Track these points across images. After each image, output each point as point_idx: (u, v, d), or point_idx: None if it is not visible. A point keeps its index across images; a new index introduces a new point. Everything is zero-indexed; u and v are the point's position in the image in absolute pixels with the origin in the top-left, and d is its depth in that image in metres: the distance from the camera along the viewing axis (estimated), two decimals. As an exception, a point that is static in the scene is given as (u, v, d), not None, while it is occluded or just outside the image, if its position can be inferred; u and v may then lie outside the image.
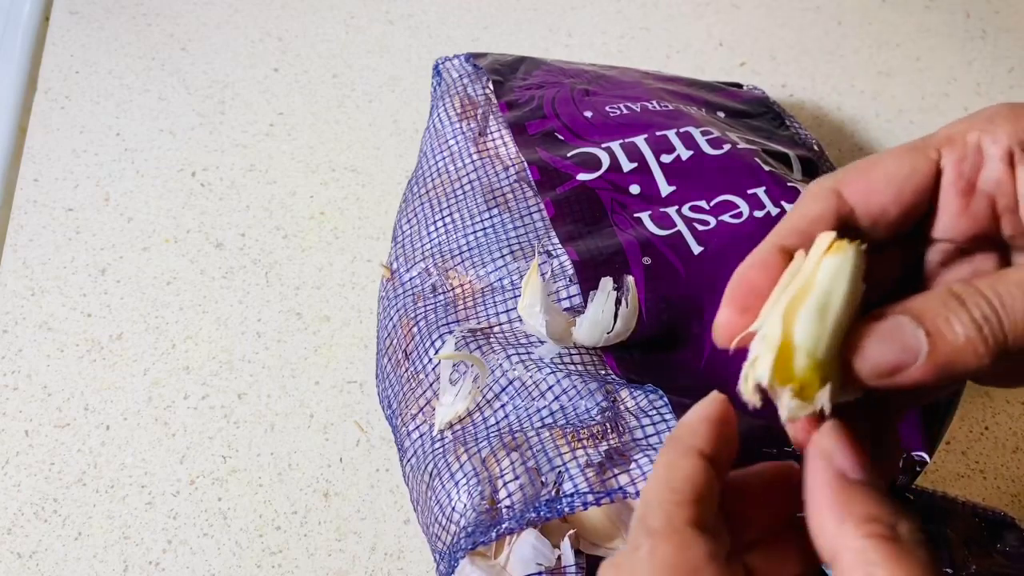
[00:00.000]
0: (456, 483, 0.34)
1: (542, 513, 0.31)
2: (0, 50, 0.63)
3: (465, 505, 0.33)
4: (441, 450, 0.36)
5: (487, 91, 0.48)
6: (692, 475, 0.21)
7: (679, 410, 0.34)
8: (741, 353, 0.26)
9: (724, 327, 0.23)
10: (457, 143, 0.46)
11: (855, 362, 0.21)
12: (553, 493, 0.32)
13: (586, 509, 0.31)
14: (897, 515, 0.20)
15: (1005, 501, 0.44)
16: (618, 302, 0.36)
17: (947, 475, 0.45)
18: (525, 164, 0.44)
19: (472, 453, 0.35)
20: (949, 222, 0.25)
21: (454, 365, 0.38)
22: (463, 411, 0.37)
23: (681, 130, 0.45)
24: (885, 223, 0.24)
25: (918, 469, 0.35)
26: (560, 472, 0.33)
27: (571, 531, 0.32)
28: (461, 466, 0.34)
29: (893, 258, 0.26)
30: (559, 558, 0.32)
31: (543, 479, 0.33)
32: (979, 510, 0.34)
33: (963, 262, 0.26)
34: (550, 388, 0.36)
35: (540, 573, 0.31)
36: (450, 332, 0.39)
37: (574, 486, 0.32)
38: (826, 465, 0.21)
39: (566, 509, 0.31)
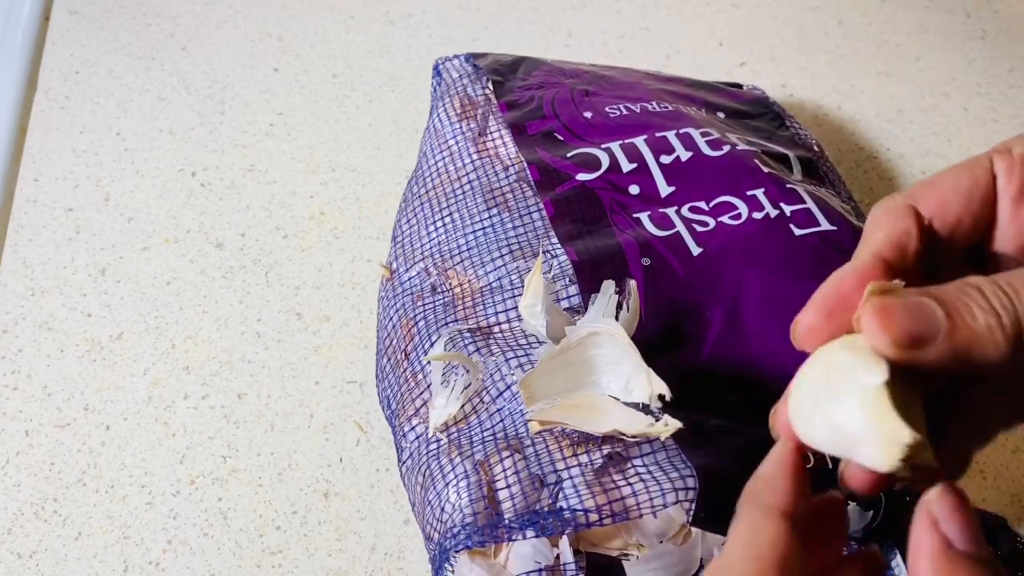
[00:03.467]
0: (448, 484, 0.34)
1: (537, 526, 0.31)
2: (0, 50, 0.63)
3: (454, 506, 0.33)
4: (436, 452, 0.36)
5: (487, 91, 0.48)
6: (777, 540, 0.21)
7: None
8: (742, 356, 0.26)
9: (805, 328, 0.23)
10: (457, 143, 0.46)
11: (878, 330, 0.21)
12: (547, 507, 0.32)
13: (582, 529, 0.31)
14: None
15: (1005, 501, 0.44)
16: (619, 305, 0.36)
17: (946, 475, 0.45)
18: (525, 164, 0.44)
19: (467, 455, 0.35)
20: (1005, 229, 0.25)
21: (449, 366, 0.38)
22: (456, 412, 0.37)
23: (681, 131, 0.45)
24: (961, 232, 0.25)
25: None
26: (558, 482, 0.33)
27: (569, 530, 0.32)
28: (454, 468, 0.34)
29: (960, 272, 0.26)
30: (558, 557, 0.32)
31: (540, 484, 0.33)
32: (973, 512, 0.34)
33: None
34: (549, 389, 0.36)
35: (539, 571, 0.31)
36: (448, 332, 0.39)
37: (577, 498, 0.32)
38: (932, 530, 0.21)
39: (562, 525, 0.31)
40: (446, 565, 0.33)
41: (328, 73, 0.63)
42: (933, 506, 0.21)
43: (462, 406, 0.37)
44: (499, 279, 0.40)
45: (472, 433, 0.36)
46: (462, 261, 0.42)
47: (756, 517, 0.22)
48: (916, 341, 0.21)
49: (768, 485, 0.22)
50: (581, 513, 0.31)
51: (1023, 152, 0.25)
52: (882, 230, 0.24)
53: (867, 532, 0.34)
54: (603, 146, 0.44)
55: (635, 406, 0.33)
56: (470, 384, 0.37)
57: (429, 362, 0.39)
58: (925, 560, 0.20)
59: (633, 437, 0.33)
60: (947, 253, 0.25)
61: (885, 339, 0.21)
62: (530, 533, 0.32)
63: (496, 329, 0.39)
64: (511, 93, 0.48)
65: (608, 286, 0.36)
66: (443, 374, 0.38)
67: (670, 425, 0.32)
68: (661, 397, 0.33)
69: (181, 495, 0.43)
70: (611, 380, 0.34)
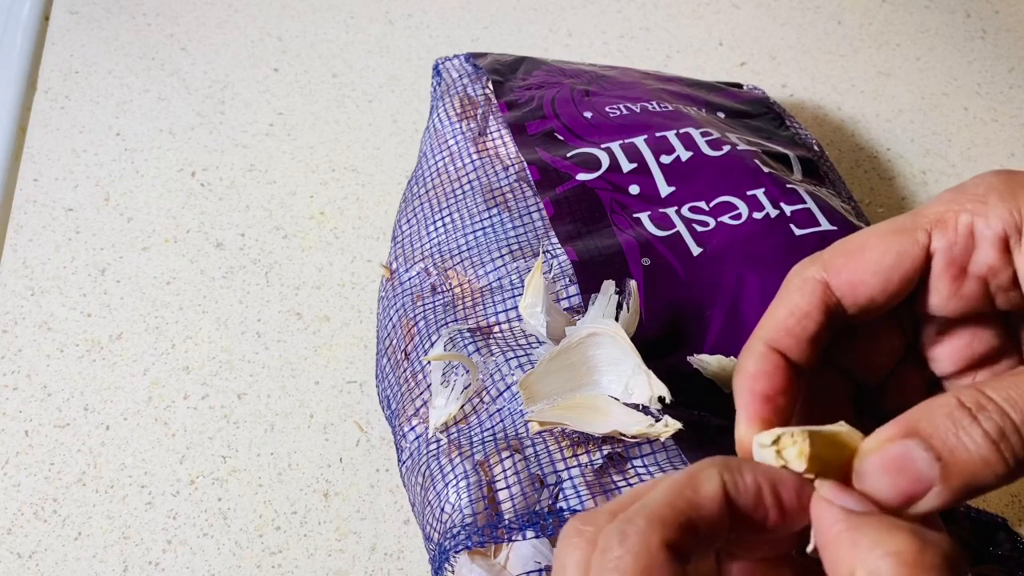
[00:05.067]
0: (447, 485, 0.34)
1: (537, 526, 0.31)
2: (0, 50, 0.63)
3: (454, 506, 0.33)
4: (436, 452, 0.36)
5: (487, 91, 0.48)
6: (693, 500, 0.20)
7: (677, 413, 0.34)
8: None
9: (747, 443, 0.23)
10: (457, 143, 0.46)
11: (867, 492, 0.20)
12: (546, 507, 0.32)
13: None
14: (908, 533, 0.19)
15: (1005, 501, 0.44)
16: (619, 305, 0.36)
17: (946, 475, 0.45)
18: (525, 164, 0.44)
19: (466, 456, 0.35)
20: (940, 302, 0.24)
21: (449, 366, 0.38)
22: (456, 412, 0.37)
23: (681, 131, 0.45)
24: (873, 310, 0.24)
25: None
26: (558, 482, 0.33)
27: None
28: (453, 468, 0.34)
29: (891, 333, 0.26)
30: (558, 558, 0.32)
31: (540, 484, 0.33)
32: (973, 513, 0.34)
33: (962, 331, 0.25)
34: (549, 389, 0.36)
35: (539, 571, 0.31)
36: (448, 332, 0.39)
37: (577, 498, 0.32)
38: (829, 506, 0.20)
39: (562, 525, 0.31)
40: (446, 565, 0.33)
41: (328, 73, 0.63)
42: (823, 492, 0.21)
43: (462, 406, 0.37)
44: (499, 279, 0.40)
45: (472, 433, 0.36)
46: (462, 261, 0.42)
47: (692, 472, 0.21)
48: (909, 500, 0.20)
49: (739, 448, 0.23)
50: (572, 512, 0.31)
51: (969, 223, 0.23)
52: (783, 309, 0.24)
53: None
54: (603, 146, 0.44)
55: (635, 407, 0.33)
56: (470, 384, 0.37)
57: (429, 362, 0.39)
58: (832, 527, 0.20)
59: (633, 438, 0.33)
60: (859, 320, 0.24)
61: (879, 504, 0.20)
62: (530, 533, 0.32)
63: (496, 329, 0.39)
64: (511, 93, 0.48)
65: (608, 286, 0.36)
66: (443, 374, 0.38)
67: (670, 426, 0.32)
68: (661, 399, 0.33)
69: (181, 495, 0.43)
70: (611, 381, 0.34)
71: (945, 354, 0.26)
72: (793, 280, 0.24)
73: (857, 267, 0.24)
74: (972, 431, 0.19)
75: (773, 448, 0.22)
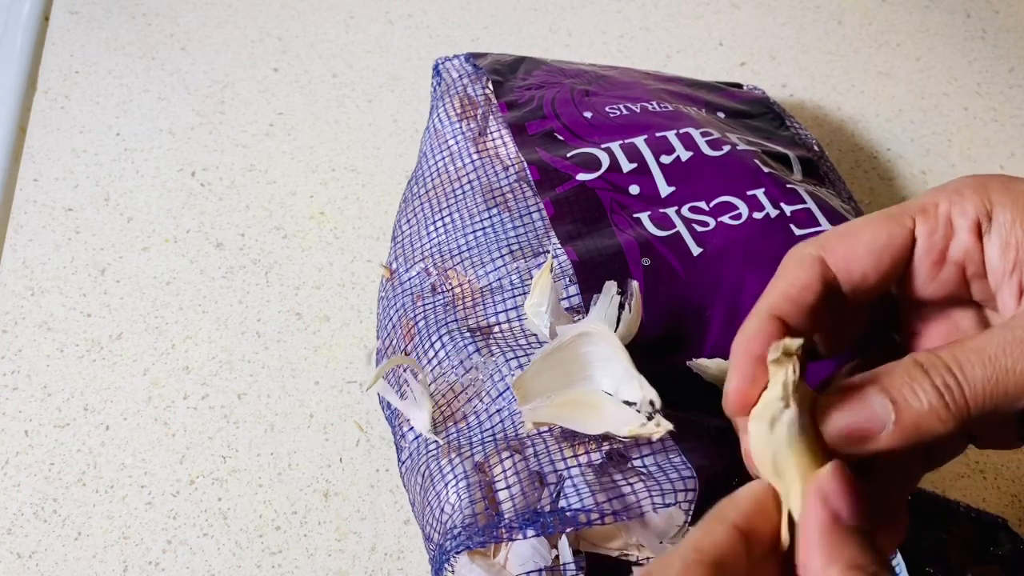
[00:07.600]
0: (447, 485, 0.34)
1: (537, 525, 0.31)
2: (0, 50, 0.63)
3: (454, 507, 0.33)
4: (435, 452, 0.36)
5: (487, 91, 0.48)
6: (719, 541, 0.22)
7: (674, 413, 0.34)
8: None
9: (736, 395, 0.24)
10: (457, 143, 0.46)
11: (826, 430, 0.23)
12: (547, 506, 0.32)
13: (582, 527, 0.31)
14: (881, 567, 0.21)
15: (1005, 501, 0.44)
16: (621, 306, 0.36)
17: (947, 475, 0.45)
18: (525, 164, 0.44)
19: (465, 456, 0.35)
20: (922, 285, 0.26)
21: (400, 379, 0.38)
22: (435, 413, 0.37)
23: (681, 131, 0.45)
24: (866, 287, 0.26)
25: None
26: (559, 481, 0.33)
27: (569, 529, 0.32)
28: (453, 468, 0.34)
29: (874, 309, 0.28)
30: (556, 557, 0.32)
31: (541, 483, 0.33)
32: (973, 513, 0.34)
33: (941, 316, 0.27)
34: (549, 390, 0.35)
35: (539, 571, 0.31)
36: (448, 332, 0.39)
37: (577, 496, 0.32)
38: (823, 505, 0.22)
39: (563, 524, 0.31)
40: (446, 565, 0.33)
41: (328, 73, 0.63)
42: (823, 483, 0.22)
43: (442, 407, 0.37)
44: (499, 279, 0.40)
45: (472, 434, 0.36)
46: (462, 261, 0.42)
47: (711, 522, 0.23)
48: (866, 437, 0.22)
49: (732, 504, 0.23)
50: (582, 512, 0.31)
51: (947, 211, 0.25)
52: (784, 281, 0.26)
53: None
54: (603, 146, 0.44)
55: (628, 403, 0.33)
56: (432, 381, 0.37)
57: (429, 362, 0.39)
58: (815, 532, 0.21)
59: (625, 439, 0.33)
60: (852, 300, 0.26)
61: (837, 439, 0.23)
62: (530, 532, 0.32)
63: (496, 329, 0.39)
64: (511, 93, 0.48)
65: (610, 287, 0.36)
66: (398, 392, 0.38)
67: (662, 426, 0.32)
68: (652, 404, 0.33)
69: (181, 495, 0.43)
70: (604, 377, 0.34)
71: (927, 340, 0.28)
72: (792, 257, 0.26)
73: (852, 245, 0.26)
74: (923, 382, 0.22)
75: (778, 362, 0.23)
